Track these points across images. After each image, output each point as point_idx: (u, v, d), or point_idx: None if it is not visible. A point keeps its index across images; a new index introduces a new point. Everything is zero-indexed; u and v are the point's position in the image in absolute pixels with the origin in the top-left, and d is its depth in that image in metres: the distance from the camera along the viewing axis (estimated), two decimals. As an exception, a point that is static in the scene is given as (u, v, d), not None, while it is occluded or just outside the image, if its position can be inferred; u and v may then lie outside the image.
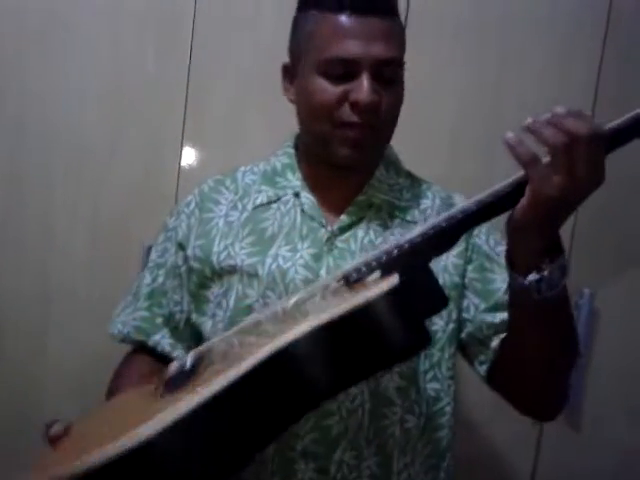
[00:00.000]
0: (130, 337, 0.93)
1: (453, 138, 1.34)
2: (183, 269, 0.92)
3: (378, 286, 0.59)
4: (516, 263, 0.68)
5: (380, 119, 0.82)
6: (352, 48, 0.79)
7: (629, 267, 1.37)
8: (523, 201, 0.64)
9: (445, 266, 0.87)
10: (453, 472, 0.91)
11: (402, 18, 0.88)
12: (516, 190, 0.65)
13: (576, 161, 0.61)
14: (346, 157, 0.83)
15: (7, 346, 1.36)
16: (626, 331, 1.36)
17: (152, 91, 1.34)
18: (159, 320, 0.93)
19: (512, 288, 0.72)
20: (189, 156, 1.36)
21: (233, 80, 1.34)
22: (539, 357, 0.77)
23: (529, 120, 0.63)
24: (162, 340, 0.92)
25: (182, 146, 1.36)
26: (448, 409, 0.88)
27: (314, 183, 0.90)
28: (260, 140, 1.27)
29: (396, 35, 0.83)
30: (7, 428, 1.35)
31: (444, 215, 0.68)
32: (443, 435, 0.88)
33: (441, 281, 0.85)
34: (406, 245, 0.67)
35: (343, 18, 0.80)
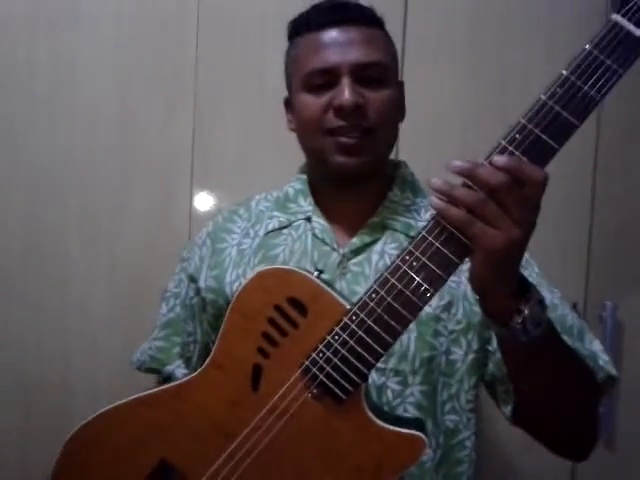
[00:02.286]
0: (145, 365, 0.96)
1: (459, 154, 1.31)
2: (195, 301, 0.93)
3: None
4: (495, 315, 0.66)
5: (368, 119, 0.81)
6: (329, 57, 0.81)
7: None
8: (474, 260, 0.62)
9: (464, 293, 0.83)
10: None
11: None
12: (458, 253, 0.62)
13: (505, 209, 0.59)
14: (343, 164, 0.81)
15: (32, 403, 1.41)
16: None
17: (160, 143, 1.37)
18: (176, 350, 0.94)
19: (500, 338, 0.70)
20: (199, 203, 1.38)
21: (237, 127, 1.37)
22: (548, 400, 0.74)
23: (437, 184, 0.61)
24: (176, 370, 0.93)
25: (192, 193, 1.38)
26: (468, 443, 0.84)
27: (326, 207, 0.89)
28: (265, 180, 1.27)
29: (375, 40, 0.83)
30: None
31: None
32: (462, 470, 0.84)
33: (460, 309, 0.83)
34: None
35: (319, 34, 0.82)
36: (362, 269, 0.83)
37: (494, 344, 0.82)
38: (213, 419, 0.71)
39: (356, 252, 0.84)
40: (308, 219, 0.88)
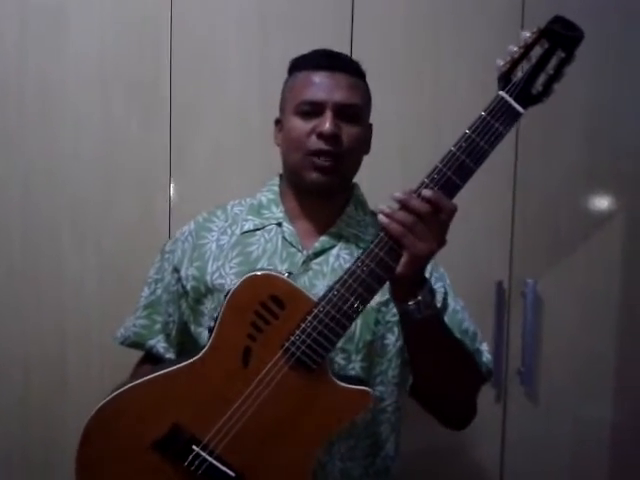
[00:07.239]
0: (129, 340, 1.12)
1: (402, 159, 1.53)
2: (175, 288, 1.09)
3: None
4: (400, 298, 0.90)
5: (341, 147, 0.99)
6: (319, 93, 1.00)
7: (564, 256, 1.55)
8: (403, 261, 0.85)
9: None
10: (391, 462, 1.07)
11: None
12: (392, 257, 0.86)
13: (428, 229, 0.84)
14: (315, 181, 1.00)
15: (31, 381, 1.55)
16: (568, 312, 1.55)
17: (140, 147, 1.53)
18: (157, 327, 1.10)
19: (401, 316, 0.93)
20: (176, 199, 1.55)
21: (209, 133, 1.54)
22: (437, 378, 0.98)
23: (383, 209, 0.85)
24: (157, 344, 1.10)
25: (170, 191, 1.55)
26: (389, 409, 1.04)
27: (293, 215, 1.06)
28: (233, 178, 1.51)
29: (356, 88, 1.02)
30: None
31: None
32: (383, 429, 1.05)
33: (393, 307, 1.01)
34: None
35: (315, 73, 1.02)
36: (321, 268, 1.03)
37: None
38: (215, 390, 0.91)
39: (317, 254, 1.03)
40: (279, 224, 1.05)
